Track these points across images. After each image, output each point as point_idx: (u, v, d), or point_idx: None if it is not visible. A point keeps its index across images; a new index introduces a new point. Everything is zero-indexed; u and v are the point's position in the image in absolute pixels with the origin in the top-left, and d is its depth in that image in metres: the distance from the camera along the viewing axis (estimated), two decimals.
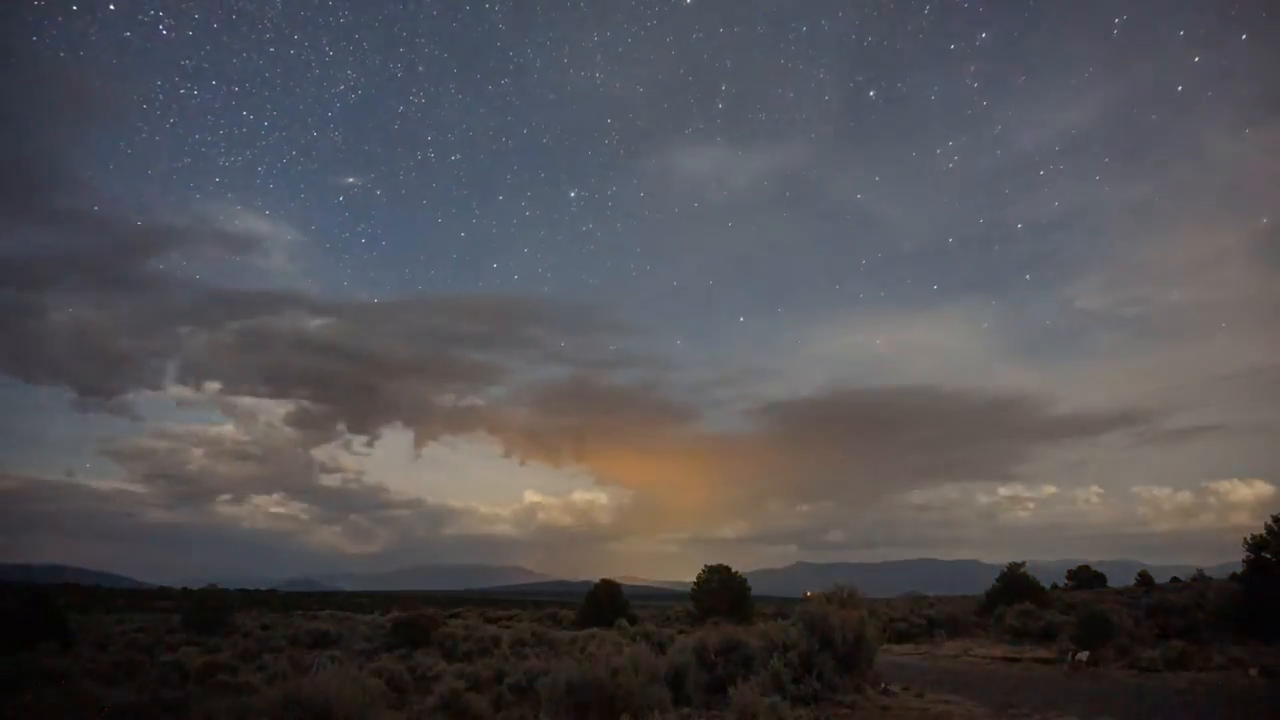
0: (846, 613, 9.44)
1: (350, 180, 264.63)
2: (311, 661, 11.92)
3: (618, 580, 29.88)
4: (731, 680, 8.21)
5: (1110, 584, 36.34)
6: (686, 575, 32.00)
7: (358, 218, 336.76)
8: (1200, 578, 27.64)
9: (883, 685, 9.57)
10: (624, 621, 22.87)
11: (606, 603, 27.06)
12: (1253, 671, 11.02)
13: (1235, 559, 15.89)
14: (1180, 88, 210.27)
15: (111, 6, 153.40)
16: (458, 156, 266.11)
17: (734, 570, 27.12)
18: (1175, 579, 36.36)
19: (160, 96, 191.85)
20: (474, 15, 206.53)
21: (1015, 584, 23.98)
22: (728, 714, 7.21)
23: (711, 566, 27.19)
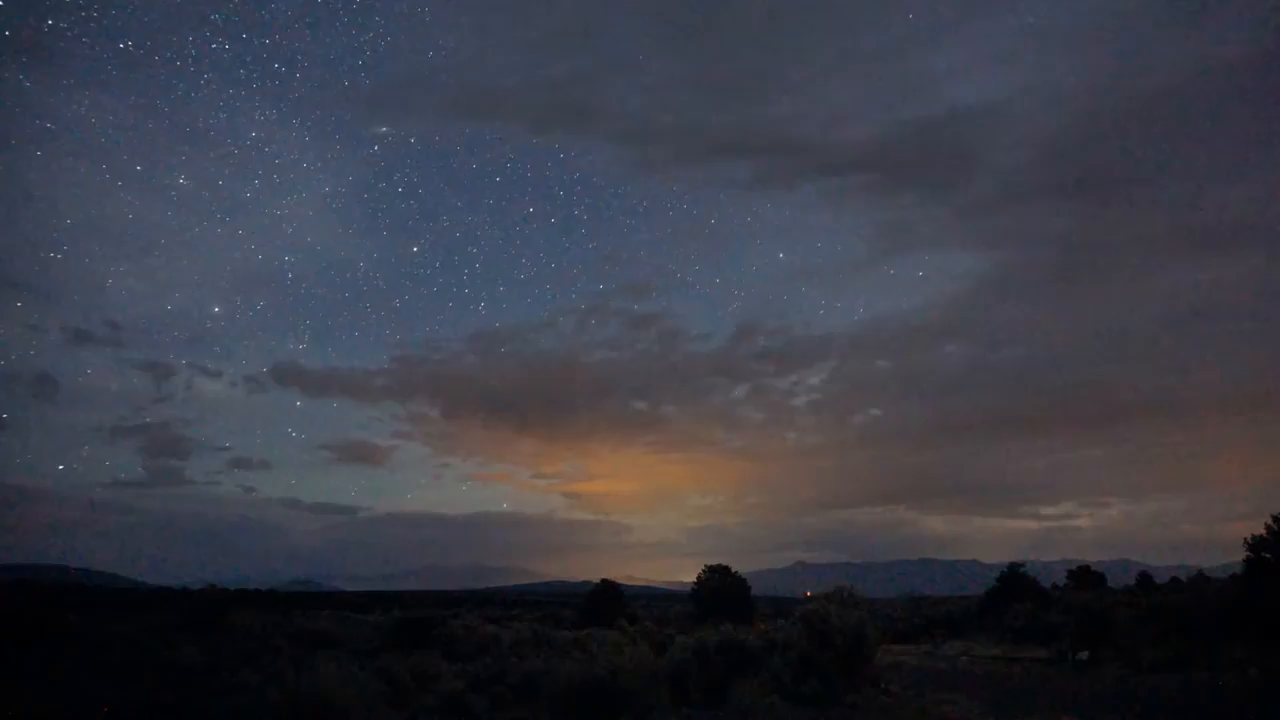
0: (846, 613, 9.44)
1: (383, 129, 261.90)
2: (311, 662, 11.92)
3: (618, 580, 29.91)
4: (731, 680, 8.22)
5: (1110, 584, 36.35)
6: (686, 575, 32.02)
7: (392, 167, 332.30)
8: (1200, 578, 27.65)
9: (883, 685, 9.57)
10: (624, 621, 22.88)
11: (606, 603, 27.07)
12: (1253, 671, 11.01)
13: (1235, 559, 15.89)
14: None
15: None
16: (490, 101, 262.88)
17: (734, 570, 27.13)
18: (1175, 579, 36.39)
19: (193, 52, 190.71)
20: None
21: (1015, 584, 24.01)
22: (728, 714, 7.21)
23: (711, 566, 27.18)
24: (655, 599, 66.24)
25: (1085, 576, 36.37)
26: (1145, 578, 35.98)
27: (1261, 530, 15.06)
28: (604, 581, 29.15)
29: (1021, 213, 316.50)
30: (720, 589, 26.21)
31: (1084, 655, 13.60)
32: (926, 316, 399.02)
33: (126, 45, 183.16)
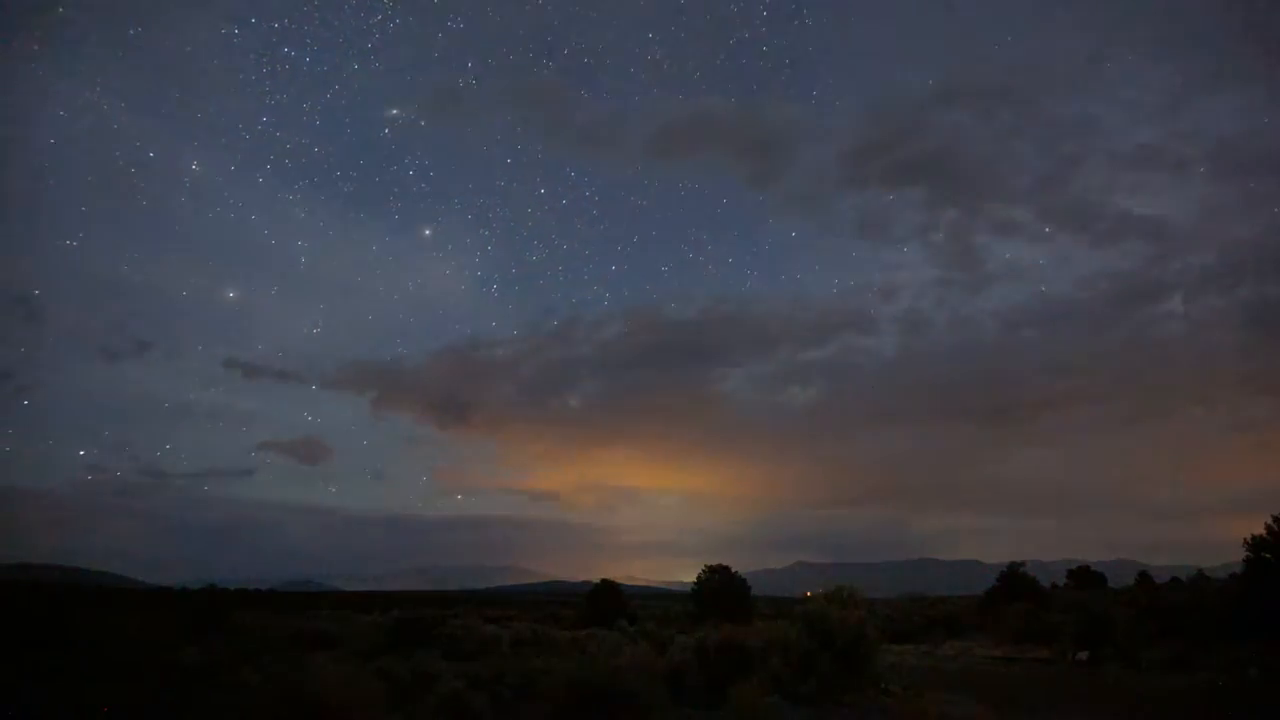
0: (846, 613, 9.45)
1: (394, 112, 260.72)
2: (311, 662, 11.92)
3: (618, 580, 29.93)
4: (731, 680, 8.22)
5: (1110, 584, 36.32)
6: (686, 575, 32.03)
7: (404, 150, 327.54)
8: (1200, 578, 27.66)
9: (883, 685, 9.57)
10: (624, 621, 22.89)
11: (606, 603, 27.08)
12: (1253, 671, 11.02)
13: (1235, 559, 15.91)
14: None
15: None
16: (499, 82, 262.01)
17: (734, 570, 27.14)
18: (1175, 579, 36.37)
19: (202, 38, 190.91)
20: None
21: (1015, 584, 24.04)
22: (728, 714, 7.21)
23: (711, 566, 27.20)
24: (655, 599, 66.24)
25: (1085, 576, 36.44)
26: (1145, 578, 35.96)
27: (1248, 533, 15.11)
28: (604, 581, 29.16)
29: (863, 202, 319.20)
30: (720, 589, 26.23)
31: (1084, 655, 13.60)
32: (821, 308, 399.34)
33: (136, 31, 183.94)
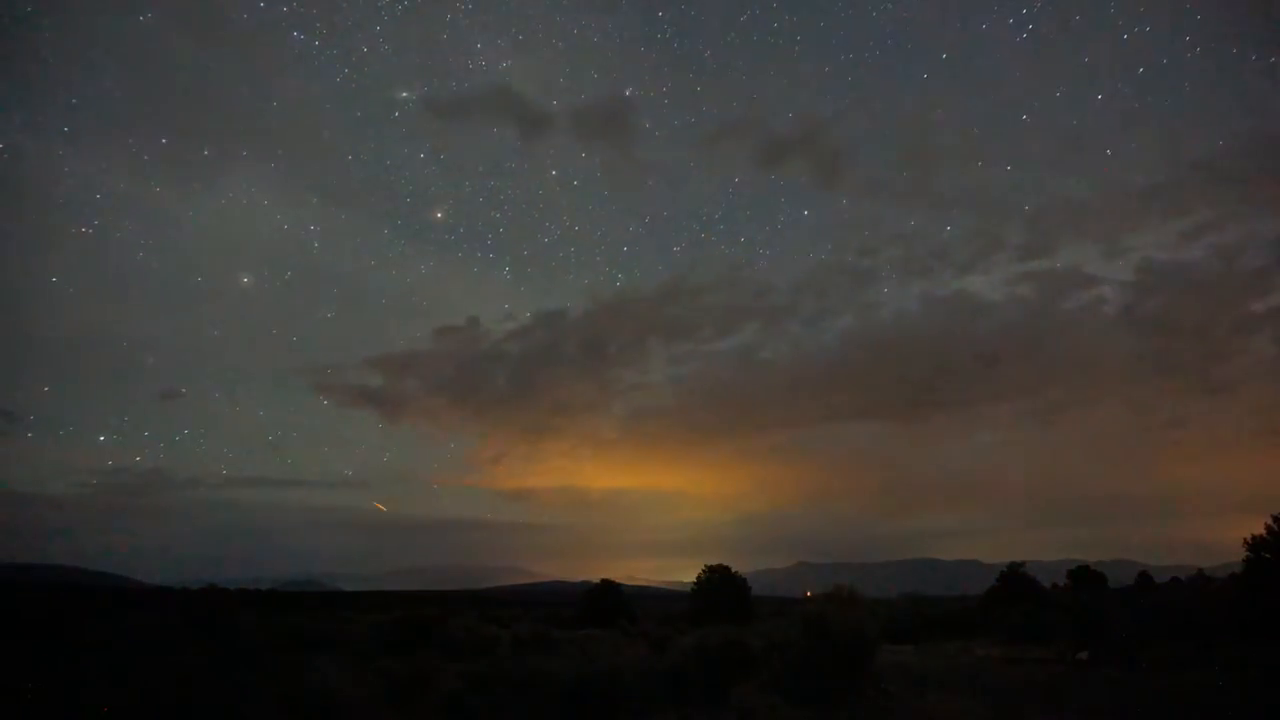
0: (846, 613, 9.45)
1: (404, 95, 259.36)
2: (311, 662, 11.92)
3: (617, 580, 29.96)
4: (731, 680, 8.23)
5: (1110, 584, 36.33)
6: (686, 575, 32.04)
7: (413, 132, 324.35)
8: (1200, 578, 27.67)
9: (883, 685, 9.58)
10: (624, 621, 22.90)
11: (606, 603, 27.10)
12: (1253, 671, 11.02)
13: (1235, 559, 15.92)
14: None
15: None
16: (508, 63, 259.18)
17: (734, 570, 27.15)
18: (1175, 579, 36.40)
19: (211, 24, 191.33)
20: None
21: (1015, 584, 24.04)
22: (728, 714, 7.21)
23: (711, 566, 27.22)
24: (655, 599, 66.25)
25: (1085, 576, 36.39)
26: (1145, 578, 36.00)
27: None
28: (604, 581, 29.19)
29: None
30: (720, 589, 26.24)
31: (1084, 655, 13.60)
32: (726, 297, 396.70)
33: (146, 18, 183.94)
